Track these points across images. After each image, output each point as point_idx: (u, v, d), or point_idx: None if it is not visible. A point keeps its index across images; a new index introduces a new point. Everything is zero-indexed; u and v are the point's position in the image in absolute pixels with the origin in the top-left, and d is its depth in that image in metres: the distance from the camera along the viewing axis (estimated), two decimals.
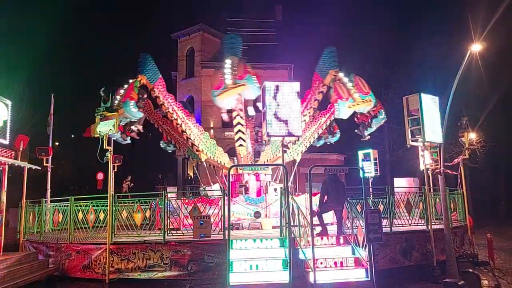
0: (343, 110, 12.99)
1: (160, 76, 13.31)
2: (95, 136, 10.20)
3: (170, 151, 17.11)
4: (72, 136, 34.11)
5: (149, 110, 14.20)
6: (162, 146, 16.00)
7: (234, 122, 14.35)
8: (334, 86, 13.22)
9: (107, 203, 10.29)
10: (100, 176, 21.16)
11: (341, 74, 13.29)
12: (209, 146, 14.22)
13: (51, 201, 12.97)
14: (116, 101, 11.63)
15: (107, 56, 44.10)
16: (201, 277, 9.25)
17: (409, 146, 11.50)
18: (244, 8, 30.32)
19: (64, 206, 11.33)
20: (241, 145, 14.29)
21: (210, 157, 14.26)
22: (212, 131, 26.53)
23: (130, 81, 12.61)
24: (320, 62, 13.98)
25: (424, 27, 28.40)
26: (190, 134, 13.79)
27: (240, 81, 12.55)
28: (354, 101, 12.82)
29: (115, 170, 14.74)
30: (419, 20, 29.15)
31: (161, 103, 13.35)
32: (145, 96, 13.12)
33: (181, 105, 14.01)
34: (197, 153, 14.31)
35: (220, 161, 14.45)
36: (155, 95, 13.21)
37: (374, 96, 13.20)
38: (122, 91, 12.28)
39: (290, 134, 10.20)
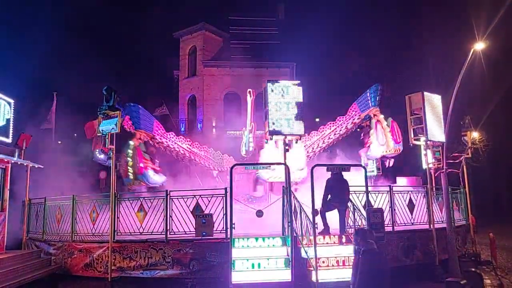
0: (375, 153, 13.74)
1: (154, 119, 13.09)
2: (98, 135, 10.19)
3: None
4: (75, 135, 34.12)
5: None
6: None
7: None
8: (375, 126, 13.67)
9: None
10: (102, 175, 21.17)
11: (381, 117, 13.72)
12: (218, 161, 14.61)
13: (53, 200, 12.97)
14: (131, 177, 12.28)
15: (109, 54, 44.11)
16: (203, 275, 9.25)
17: (411, 145, 11.47)
18: (246, 7, 30.26)
19: (67, 204, 11.34)
20: None
21: (220, 170, 14.62)
22: (214, 130, 26.54)
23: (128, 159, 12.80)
24: (363, 96, 14.22)
25: (427, 25, 28.30)
26: (200, 160, 14.17)
27: None
28: (388, 147, 13.32)
29: (118, 168, 14.68)
30: (423, 18, 28.99)
31: (165, 145, 13.31)
32: (153, 150, 13.25)
33: (181, 136, 14.26)
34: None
35: (229, 167, 14.67)
36: (156, 141, 13.01)
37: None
38: (130, 169, 12.61)
39: (292, 133, 10.17)
